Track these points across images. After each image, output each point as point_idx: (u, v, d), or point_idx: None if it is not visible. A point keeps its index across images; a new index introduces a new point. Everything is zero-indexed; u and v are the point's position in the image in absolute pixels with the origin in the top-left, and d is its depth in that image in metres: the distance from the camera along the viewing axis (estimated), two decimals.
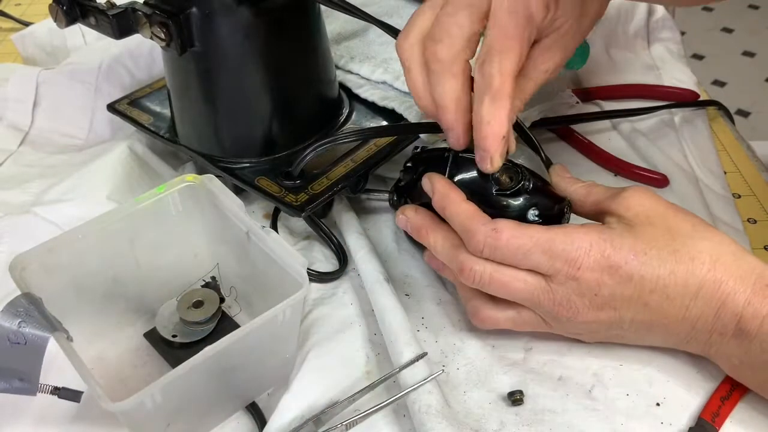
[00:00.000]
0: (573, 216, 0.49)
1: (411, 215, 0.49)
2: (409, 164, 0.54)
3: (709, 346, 0.43)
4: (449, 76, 0.44)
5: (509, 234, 0.43)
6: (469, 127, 0.45)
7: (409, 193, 0.53)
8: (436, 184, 0.48)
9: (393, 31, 0.55)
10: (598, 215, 0.47)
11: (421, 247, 0.55)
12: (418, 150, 0.54)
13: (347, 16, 0.57)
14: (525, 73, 0.45)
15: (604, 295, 0.43)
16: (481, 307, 0.47)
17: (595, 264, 0.42)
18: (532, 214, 0.47)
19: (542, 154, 0.54)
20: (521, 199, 0.47)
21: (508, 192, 0.47)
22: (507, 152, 0.46)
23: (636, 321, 0.44)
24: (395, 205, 0.55)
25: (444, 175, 0.49)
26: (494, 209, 0.47)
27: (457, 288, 0.50)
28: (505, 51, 0.42)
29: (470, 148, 0.48)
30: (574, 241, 0.43)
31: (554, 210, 0.48)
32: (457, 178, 0.49)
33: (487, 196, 0.48)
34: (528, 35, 0.42)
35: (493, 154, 0.44)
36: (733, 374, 0.45)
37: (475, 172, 0.48)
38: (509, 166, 0.48)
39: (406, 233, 0.53)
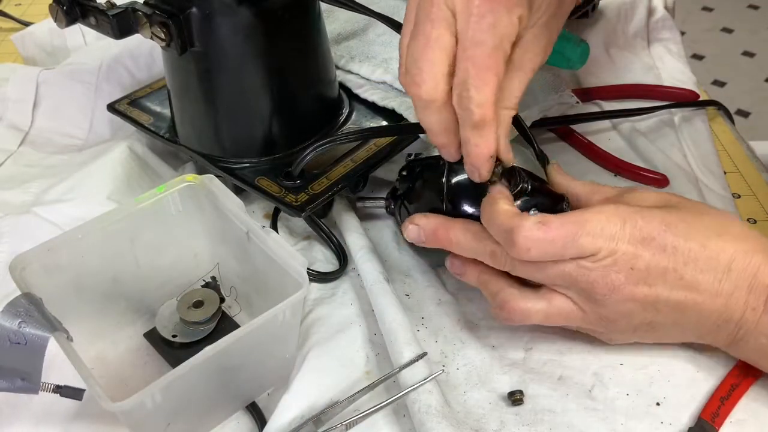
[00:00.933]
0: None
1: (423, 222, 0.48)
2: (404, 173, 0.54)
3: (739, 327, 0.43)
4: (432, 111, 0.44)
5: (557, 224, 0.42)
6: (460, 145, 0.45)
7: (407, 199, 0.53)
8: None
9: (395, 25, 0.54)
10: None
11: (427, 255, 0.55)
12: (412, 157, 0.54)
13: (347, 16, 0.57)
14: (512, 73, 0.44)
15: (640, 268, 0.42)
16: (510, 299, 0.45)
17: (630, 237, 0.42)
18: (533, 214, 0.47)
19: (536, 147, 0.53)
20: (521, 201, 0.48)
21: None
22: (500, 165, 0.46)
23: (671, 300, 0.43)
24: (392, 213, 0.55)
25: (442, 180, 0.49)
26: None
27: (483, 286, 0.48)
28: (478, 82, 0.41)
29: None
30: (608, 217, 0.43)
31: (555, 209, 0.48)
32: (455, 183, 0.49)
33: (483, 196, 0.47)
34: (500, 57, 0.41)
35: (480, 170, 0.44)
36: (761, 361, 0.44)
37: (470, 181, 0.48)
38: (507, 169, 0.48)
39: (410, 244, 0.52)
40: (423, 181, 0.52)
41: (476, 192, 0.48)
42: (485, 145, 0.43)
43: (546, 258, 0.43)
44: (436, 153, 0.51)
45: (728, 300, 0.42)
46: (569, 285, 0.44)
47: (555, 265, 0.43)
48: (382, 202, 0.57)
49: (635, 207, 0.44)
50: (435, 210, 0.50)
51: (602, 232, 0.42)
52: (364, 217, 0.60)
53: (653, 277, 0.43)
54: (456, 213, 0.49)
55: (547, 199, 0.48)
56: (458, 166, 0.48)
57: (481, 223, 0.46)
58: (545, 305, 0.45)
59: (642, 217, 0.43)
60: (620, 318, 0.45)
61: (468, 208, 0.49)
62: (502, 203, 0.44)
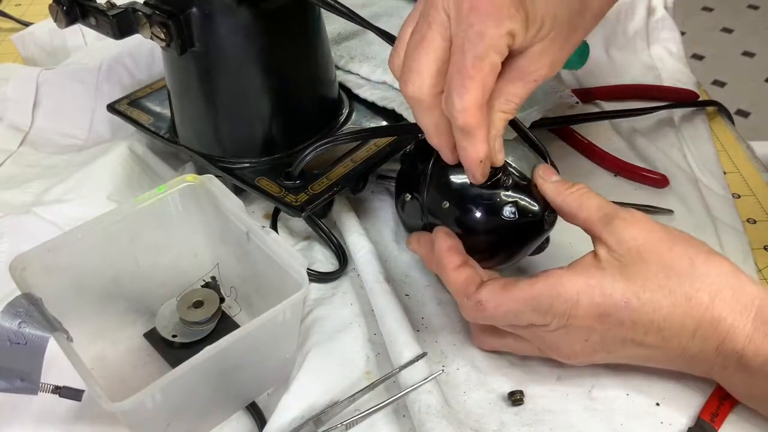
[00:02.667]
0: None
1: (414, 246, 0.50)
2: (407, 150, 0.54)
3: (711, 375, 0.43)
4: (422, 110, 0.44)
5: (494, 305, 0.43)
6: (455, 146, 0.45)
7: (402, 179, 0.53)
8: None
9: (388, 37, 0.55)
10: (588, 233, 0.45)
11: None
12: (421, 137, 0.55)
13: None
14: (513, 80, 0.43)
15: (595, 340, 0.43)
16: (479, 333, 0.49)
17: (584, 313, 0.41)
18: (508, 210, 0.46)
19: (541, 149, 0.53)
20: (498, 193, 0.46)
21: (485, 185, 0.46)
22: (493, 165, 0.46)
23: (634, 359, 0.44)
24: (395, 192, 0.55)
25: (429, 163, 0.49)
26: (470, 202, 0.47)
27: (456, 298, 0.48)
28: (460, 89, 0.40)
29: None
30: (560, 294, 0.41)
31: (537, 210, 0.47)
32: (439, 168, 0.49)
33: (464, 187, 0.47)
34: (486, 66, 0.40)
35: (474, 173, 0.44)
36: (739, 398, 0.44)
37: (457, 164, 0.47)
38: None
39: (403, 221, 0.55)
40: (415, 162, 0.52)
41: (455, 179, 0.48)
42: (473, 149, 0.43)
43: (496, 323, 0.45)
44: None
45: (694, 358, 0.42)
46: (530, 340, 0.45)
47: (511, 326, 0.45)
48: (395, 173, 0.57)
49: (595, 277, 0.41)
50: (419, 192, 0.50)
51: (551, 310, 0.42)
52: (364, 215, 0.60)
53: (610, 345, 0.43)
54: (437, 195, 0.49)
55: (528, 202, 0.47)
56: (442, 159, 0.48)
57: (457, 270, 0.46)
58: (512, 342, 0.47)
59: (601, 292, 0.41)
60: (586, 365, 0.46)
61: (447, 190, 0.48)
62: (449, 270, 0.46)
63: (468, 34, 0.40)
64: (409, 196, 0.51)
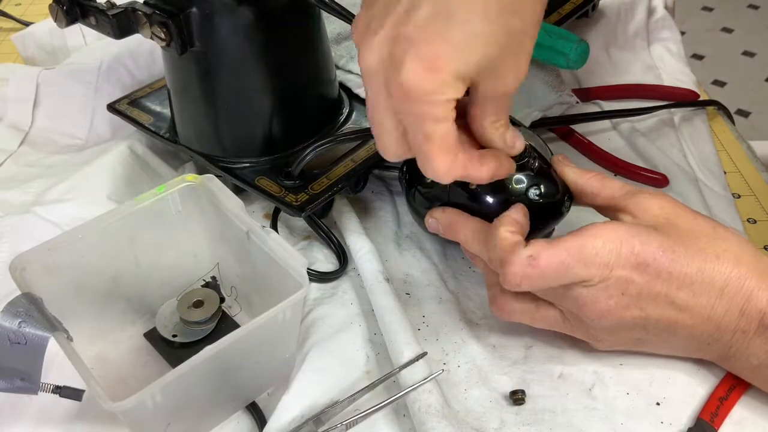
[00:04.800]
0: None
1: (439, 215, 0.49)
2: None
3: (730, 347, 0.43)
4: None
5: (546, 258, 0.42)
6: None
7: (416, 166, 0.53)
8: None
9: None
10: (610, 210, 0.47)
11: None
12: None
13: None
14: (485, 102, 0.42)
15: (631, 293, 0.42)
16: (500, 295, 0.47)
17: (625, 262, 0.42)
18: (533, 192, 0.47)
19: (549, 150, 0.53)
20: (524, 176, 0.47)
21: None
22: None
23: (661, 322, 0.43)
24: (404, 179, 0.54)
25: None
26: (497, 184, 0.47)
27: (485, 277, 0.49)
28: (426, 163, 0.41)
29: None
30: (605, 242, 0.42)
31: (557, 194, 0.48)
32: None
33: None
34: (441, 132, 0.39)
35: (493, 178, 0.44)
36: (750, 377, 0.44)
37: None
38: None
39: (413, 211, 0.54)
40: None
41: None
42: (478, 177, 0.43)
43: (537, 288, 0.44)
44: None
45: (719, 323, 0.42)
46: (559, 302, 0.45)
47: (545, 289, 0.44)
48: (395, 172, 0.57)
49: (634, 228, 0.43)
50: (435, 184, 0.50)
51: (596, 259, 0.42)
52: (364, 215, 0.60)
53: (644, 301, 0.43)
54: (460, 189, 0.49)
55: (551, 182, 0.48)
56: None
57: (487, 225, 0.46)
58: (532, 308, 0.46)
59: (640, 241, 0.42)
60: (607, 336, 0.45)
61: (473, 186, 0.49)
62: (503, 229, 0.44)
63: (408, 118, 0.40)
64: (431, 180, 0.51)
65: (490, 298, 0.48)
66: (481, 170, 0.42)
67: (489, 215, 0.47)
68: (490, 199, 0.48)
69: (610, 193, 0.47)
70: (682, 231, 0.43)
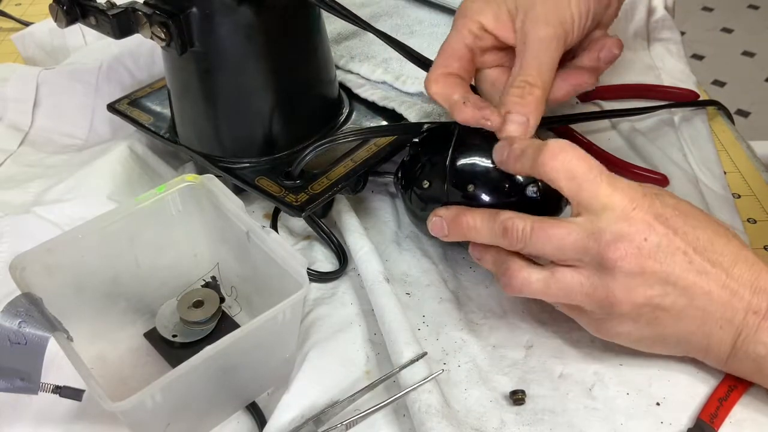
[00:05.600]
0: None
1: (443, 212, 0.48)
2: (416, 140, 0.55)
3: (740, 332, 0.42)
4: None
5: (581, 152, 0.44)
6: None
7: (415, 166, 0.53)
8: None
9: (387, 38, 0.55)
10: None
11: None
12: (424, 128, 0.55)
13: None
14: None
15: (652, 242, 0.42)
16: (512, 266, 0.45)
17: (648, 209, 0.43)
18: (531, 190, 0.48)
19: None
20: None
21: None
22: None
23: (680, 282, 0.42)
24: (400, 185, 0.55)
25: (449, 149, 0.50)
26: (494, 183, 0.48)
27: (496, 267, 0.47)
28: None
29: (476, 129, 0.49)
30: (630, 185, 0.43)
31: (556, 191, 0.47)
32: (461, 152, 0.50)
33: (488, 170, 0.48)
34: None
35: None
36: (756, 372, 0.43)
37: (480, 141, 0.49)
38: None
39: (411, 216, 0.55)
40: (433, 147, 0.52)
41: (478, 162, 0.49)
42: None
43: (564, 176, 0.43)
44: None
45: (733, 296, 0.42)
46: (579, 253, 0.43)
47: (564, 233, 0.43)
48: (392, 179, 0.57)
49: (655, 189, 0.45)
50: (438, 176, 0.51)
51: (623, 191, 0.43)
52: (364, 215, 0.60)
53: (664, 254, 0.42)
54: (457, 190, 0.50)
55: (550, 190, 0.48)
56: (466, 133, 0.50)
57: (494, 209, 0.46)
58: (547, 275, 0.44)
59: (659, 198, 0.44)
60: (626, 295, 0.43)
61: (470, 187, 0.49)
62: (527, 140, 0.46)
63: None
64: (428, 183, 0.51)
65: (501, 272, 0.46)
66: None
67: (491, 204, 0.48)
68: (487, 198, 0.49)
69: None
70: (693, 210, 0.45)
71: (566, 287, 0.44)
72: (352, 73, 0.66)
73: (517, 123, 0.47)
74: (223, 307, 0.51)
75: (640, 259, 0.42)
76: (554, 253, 0.44)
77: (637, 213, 0.43)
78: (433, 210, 0.49)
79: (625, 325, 0.44)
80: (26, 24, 0.91)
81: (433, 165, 0.52)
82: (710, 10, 2.63)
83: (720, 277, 0.43)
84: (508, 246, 0.45)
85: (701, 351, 0.45)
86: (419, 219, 0.54)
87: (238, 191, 0.57)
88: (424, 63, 0.55)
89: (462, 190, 0.49)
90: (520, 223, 0.44)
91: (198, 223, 0.51)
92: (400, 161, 0.56)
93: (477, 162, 0.50)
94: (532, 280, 0.44)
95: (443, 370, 0.48)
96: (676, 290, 0.43)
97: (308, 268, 0.53)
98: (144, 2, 0.54)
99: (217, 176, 0.51)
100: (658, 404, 0.45)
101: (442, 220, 0.48)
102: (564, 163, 0.43)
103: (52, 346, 0.40)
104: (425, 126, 0.56)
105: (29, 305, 0.41)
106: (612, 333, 0.45)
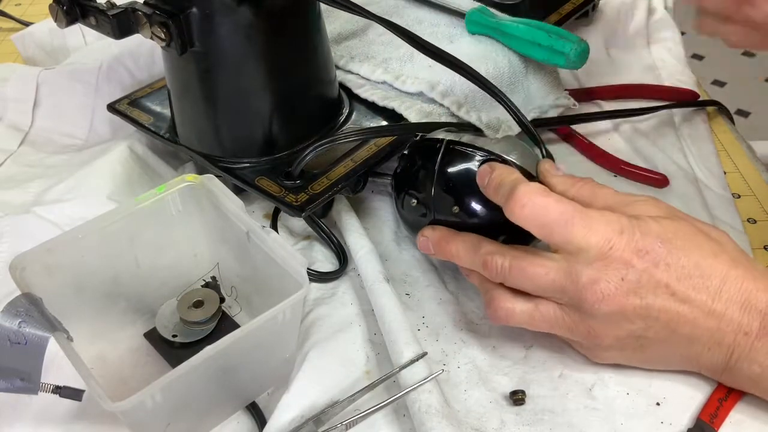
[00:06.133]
0: None
1: (429, 233, 0.50)
2: (405, 152, 0.54)
3: (731, 352, 0.42)
4: None
5: (558, 198, 0.43)
6: None
7: (404, 180, 0.53)
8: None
9: (395, 28, 0.54)
10: None
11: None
12: (417, 138, 0.55)
13: (348, 16, 0.57)
14: None
15: (631, 279, 0.42)
16: (497, 297, 0.46)
17: (626, 245, 0.42)
18: None
19: (542, 149, 0.53)
20: None
21: None
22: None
23: (662, 313, 0.42)
24: (394, 191, 0.55)
25: (435, 166, 0.50)
26: (482, 203, 0.48)
27: (481, 289, 0.48)
28: None
29: (462, 141, 0.50)
30: (609, 221, 0.43)
31: None
32: (447, 170, 0.50)
33: (475, 189, 0.48)
34: None
35: None
36: (752, 387, 0.43)
37: (465, 164, 0.49)
38: (498, 161, 0.48)
39: (405, 222, 0.55)
40: (419, 161, 0.52)
41: (464, 181, 0.49)
42: None
43: (534, 224, 0.43)
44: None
45: (720, 321, 0.42)
46: (557, 293, 0.44)
47: (541, 273, 0.43)
48: (389, 180, 0.57)
49: (635, 219, 0.43)
50: (425, 195, 0.51)
51: (597, 231, 0.42)
52: (364, 215, 0.60)
53: (645, 289, 0.42)
54: (445, 199, 0.50)
55: None
56: (453, 151, 0.50)
57: (477, 236, 0.47)
58: (531, 307, 0.45)
59: (640, 230, 0.43)
60: (608, 331, 0.44)
61: (457, 195, 0.49)
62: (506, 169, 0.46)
63: None
64: (415, 201, 0.52)
65: (487, 302, 0.47)
66: None
67: (475, 225, 0.48)
68: (473, 219, 0.49)
69: (603, 204, 0.46)
70: (680, 228, 0.43)
71: (549, 320, 0.45)
72: (352, 73, 0.66)
73: None
74: (223, 307, 0.51)
75: (618, 298, 0.42)
76: (534, 290, 0.45)
77: (615, 252, 0.42)
78: (420, 228, 0.51)
79: (611, 353, 0.46)
80: (26, 24, 0.91)
81: (419, 181, 0.52)
82: None
83: (705, 304, 0.42)
84: (489, 278, 0.46)
85: (694, 367, 0.45)
86: (410, 225, 0.55)
87: (238, 191, 0.57)
88: (430, 51, 0.55)
89: (447, 212, 0.50)
90: (499, 259, 0.45)
91: (198, 223, 0.51)
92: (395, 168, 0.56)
93: (462, 181, 0.49)
94: (516, 311, 0.45)
95: (443, 370, 0.48)
96: (659, 323, 0.43)
97: (308, 268, 0.53)
98: (144, 2, 0.54)
99: (217, 176, 0.51)
100: (658, 404, 0.45)
101: (428, 240, 0.50)
102: (532, 212, 0.43)
103: (52, 346, 0.40)
104: (418, 136, 0.56)
105: (29, 305, 0.41)
106: (601, 358, 0.46)
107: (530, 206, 0.43)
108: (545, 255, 0.44)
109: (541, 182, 0.48)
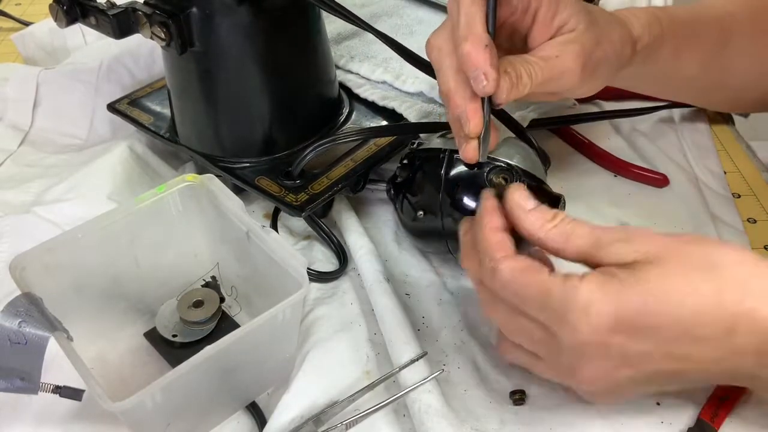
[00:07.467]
0: None
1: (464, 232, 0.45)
2: (405, 161, 0.54)
3: (753, 379, 0.39)
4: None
5: (507, 277, 0.39)
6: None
7: (406, 189, 0.53)
8: (465, 236, 0.45)
9: (386, 39, 0.55)
10: (584, 264, 0.40)
11: (425, 242, 0.55)
12: (414, 146, 0.55)
13: None
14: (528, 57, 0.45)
15: (613, 355, 0.37)
16: (504, 340, 0.44)
17: (597, 325, 0.36)
18: None
19: (536, 147, 0.53)
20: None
21: (502, 192, 0.47)
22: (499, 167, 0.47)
23: (662, 374, 0.38)
24: (392, 199, 0.55)
25: (440, 174, 0.50)
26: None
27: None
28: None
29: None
30: (571, 300, 0.37)
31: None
32: (453, 175, 0.50)
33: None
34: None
35: (485, 69, 0.41)
36: None
37: (470, 175, 0.49)
38: (503, 167, 0.49)
39: (408, 229, 0.55)
40: (422, 172, 0.52)
41: (470, 189, 0.49)
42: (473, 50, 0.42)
43: (518, 303, 0.40)
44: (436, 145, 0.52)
45: (733, 363, 0.37)
46: (545, 357, 0.42)
47: (526, 340, 0.41)
48: (385, 186, 0.57)
49: (609, 283, 0.37)
50: (431, 205, 0.51)
51: (573, 312, 0.37)
52: (364, 215, 0.60)
53: (634, 358, 0.38)
54: (452, 206, 0.50)
55: (543, 199, 0.48)
56: (457, 160, 0.49)
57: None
58: (534, 359, 0.42)
59: (617, 297, 0.37)
60: (612, 398, 0.42)
61: (463, 202, 0.49)
62: (487, 223, 0.41)
63: None
64: (422, 213, 0.52)
65: (499, 340, 0.45)
66: None
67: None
68: (474, 205, 0.48)
69: (576, 249, 0.40)
70: (669, 269, 0.37)
71: (547, 373, 0.43)
72: (352, 73, 0.66)
73: (477, 81, 0.42)
74: (223, 307, 0.51)
75: (609, 375, 0.39)
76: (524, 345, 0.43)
77: (585, 337, 0.37)
78: (425, 237, 0.52)
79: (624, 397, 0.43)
80: (26, 24, 0.91)
81: (426, 193, 0.51)
82: None
83: (710, 355, 0.37)
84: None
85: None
86: (408, 228, 0.55)
87: (238, 191, 0.57)
88: (421, 63, 0.55)
89: (455, 222, 0.49)
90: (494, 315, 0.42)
91: (198, 223, 0.51)
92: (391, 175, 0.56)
93: (469, 190, 0.49)
94: (518, 356, 0.44)
95: (443, 370, 0.48)
96: (662, 378, 0.39)
97: (308, 268, 0.53)
98: (144, 2, 0.54)
99: (217, 176, 0.51)
100: (658, 404, 0.45)
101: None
102: (516, 291, 0.39)
103: (52, 346, 0.40)
104: (415, 144, 0.56)
105: (29, 305, 0.41)
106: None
107: (511, 287, 0.39)
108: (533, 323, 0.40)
109: (515, 218, 0.42)
